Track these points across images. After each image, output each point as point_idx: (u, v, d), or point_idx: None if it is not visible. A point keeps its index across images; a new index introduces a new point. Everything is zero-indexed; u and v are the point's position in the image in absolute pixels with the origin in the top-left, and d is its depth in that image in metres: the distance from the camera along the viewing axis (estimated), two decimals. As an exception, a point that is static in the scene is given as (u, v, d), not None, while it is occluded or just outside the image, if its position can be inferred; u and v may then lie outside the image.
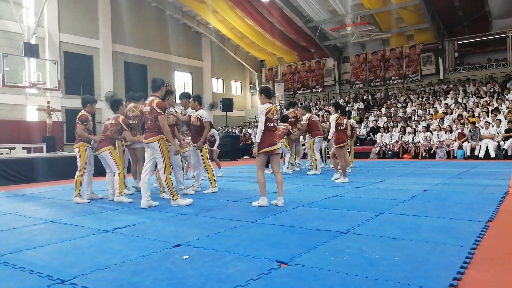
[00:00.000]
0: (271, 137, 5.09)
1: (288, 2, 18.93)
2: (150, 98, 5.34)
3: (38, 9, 15.70)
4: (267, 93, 5.22)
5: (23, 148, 13.35)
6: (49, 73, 15.20)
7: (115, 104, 6.16)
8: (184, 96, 6.89)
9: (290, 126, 9.45)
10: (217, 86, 25.44)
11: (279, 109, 21.94)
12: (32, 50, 13.81)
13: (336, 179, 7.57)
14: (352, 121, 10.12)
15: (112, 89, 18.36)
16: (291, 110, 10.00)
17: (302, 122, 9.63)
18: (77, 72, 17.56)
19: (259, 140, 5.05)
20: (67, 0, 17.39)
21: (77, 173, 5.81)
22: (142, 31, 20.13)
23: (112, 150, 5.90)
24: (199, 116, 6.47)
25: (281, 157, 10.78)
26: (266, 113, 5.02)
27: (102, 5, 18.62)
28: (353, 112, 19.18)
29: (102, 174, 6.54)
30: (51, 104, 15.34)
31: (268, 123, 5.05)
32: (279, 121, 9.58)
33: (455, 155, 13.22)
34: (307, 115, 9.54)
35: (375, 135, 15.72)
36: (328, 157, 10.89)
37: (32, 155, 11.28)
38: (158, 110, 5.16)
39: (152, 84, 5.47)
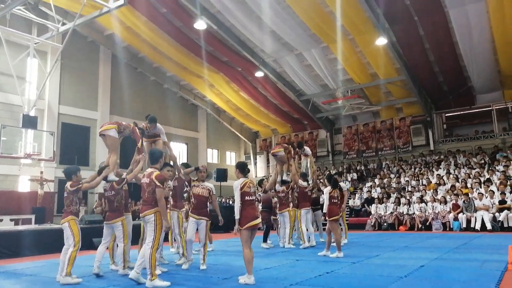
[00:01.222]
0: (252, 210, 5.08)
1: (281, 77, 19.83)
2: (149, 170, 5.40)
3: (40, 83, 16.27)
4: (242, 170, 5.29)
5: (11, 220, 13.04)
6: (45, 144, 15.34)
7: (68, 172, 5.84)
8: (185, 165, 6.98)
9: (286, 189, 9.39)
10: (212, 156, 25.67)
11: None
12: (30, 122, 14.05)
13: (324, 255, 7.37)
14: (343, 184, 9.98)
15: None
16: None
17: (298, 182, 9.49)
18: (73, 143, 17.74)
19: (238, 217, 5.03)
20: (69, 74, 18.10)
21: (71, 248, 5.42)
22: (140, 103, 20.73)
23: (124, 221, 5.88)
24: (210, 188, 6.41)
25: (274, 229, 10.62)
26: (241, 188, 5.06)
27: (102, 78, 19.37)
28: (347, 182, 19.23)
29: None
30: (44, 175, 15.30)
31: (246, 197, 5.08)
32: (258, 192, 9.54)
33: (451, 226, 13.05)
34: (303, 183, 9.46)
35: (370, 206, 15.62)
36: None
37: (19, 227, 10.99)
38: (157, 183, 5.17)
39: (150, 157, 5.59)
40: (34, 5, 16.10)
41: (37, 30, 16.50)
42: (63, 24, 15.04)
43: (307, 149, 11.09)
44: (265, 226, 9.85)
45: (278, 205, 9.63)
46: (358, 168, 20.91)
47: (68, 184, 5.70)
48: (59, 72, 17.48)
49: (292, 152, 9.90)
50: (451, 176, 15.63)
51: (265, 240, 9.60)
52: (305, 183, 9.43)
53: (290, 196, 9.49)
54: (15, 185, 15.79)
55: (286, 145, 10.11)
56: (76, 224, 5.60)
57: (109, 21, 16.62)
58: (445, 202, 13.63)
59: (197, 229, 6.40)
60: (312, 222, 9.82)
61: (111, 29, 17.72)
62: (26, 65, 16.34)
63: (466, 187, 14.20)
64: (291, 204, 9.47)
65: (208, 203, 6.48)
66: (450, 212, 13.29)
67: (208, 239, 9.17)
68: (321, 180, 13.93)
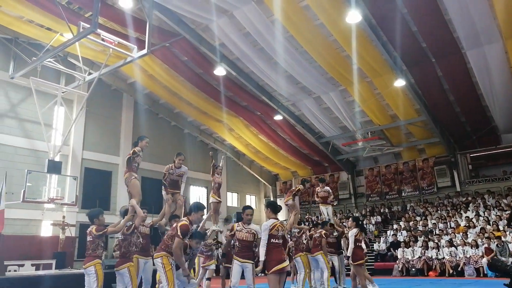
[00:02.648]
0: (279, 254, 4.90)
1: (300, 120, 19.94)
2: (182, 219, 5.55)
3: (66, 129, 16.81)
4: (273, 208, 5.19)
5: (32, 265, 13.01)
6: (68, 188, 15.59)
7: (91, 215, 5.97)
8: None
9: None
10: (232, 199, 25.50)
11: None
12: (55, 167, 14.38)
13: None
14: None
15: (128, 203, 18.53)
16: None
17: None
18: (95, 187, 17.96)
19: (263, 259, 4.86)
20: (93, 121, 18.68)
21: None
22: (160, 147, 21.02)
23: (130, 267, 5.79)
24: (255, 232, 5.87)
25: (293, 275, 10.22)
26: (270, 229, 4.92)
27: (125, 124, 19.88)
28: (371, 226, 18.67)
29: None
30: (66, 219, 15.40)
31: (272, 239, 4.92)
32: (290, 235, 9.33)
33: (485, 272, 12.30)
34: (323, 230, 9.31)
35: (396, 250, 14.99)
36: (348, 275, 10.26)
37: (40, 272, 10.93)
38: (178, 232, 5.15)
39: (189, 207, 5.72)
40: (63, 57, 17.01)
41: (65, 80, 17.29)
42: (89, 73, 15.76)
43: (327, 188, 11.01)
44: None
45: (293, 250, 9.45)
46: (382, 210, 20.32)
47: (93, 228, 5.70)
48: (84, 119, 18.06)
49: (302, 187, 9.96)
50: (481, 218, 14.98)
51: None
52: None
53: (302, 240, 9.40)
54: (37, 230, 15.89)
55: (293, 189, 10.21)
56: (101, 269, 5.59)
57: (132, 69, 17.36)
58: (477, 246, 12.97)
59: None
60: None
61: (133, 77, 18.45)
62: (53, 113, 16.98)
63: (498, 229, 13.53)
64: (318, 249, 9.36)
65: (253, 246, 6.17)
66: (483, 256, 12.59)
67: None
68: (344, 224, 13.55)
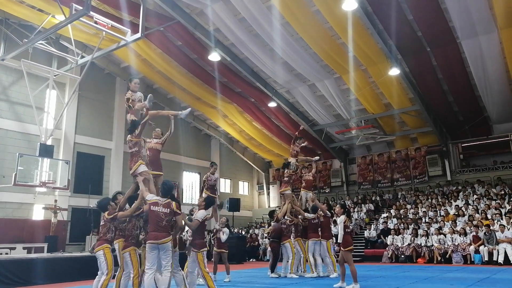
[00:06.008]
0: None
1: (294, 107, 19.92)
2: (162, 200, 5.48)
3: (58, 113, 16.66)
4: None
5: (24, 248, 13.03)
6: (60, 172, 15.53)
7: (102, 205, 6.09)
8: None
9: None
10: (225, 186, 25.57)
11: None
12: (47, 151, 14.30)
13: (340, 286, 7.15)
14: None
15: (121, 188, 18.49)
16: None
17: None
18: (87, 172, 17.89)
19: None
20: (86, 105, 18.50)
21: (104, 276, 5.56)
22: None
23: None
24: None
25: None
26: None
27: (118, 109, 19.71)
28: (362, 213, 18.88)
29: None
30: (58, 203, 15.38)
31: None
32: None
33: (472, 259, 12.55)
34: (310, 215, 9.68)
35: (386, 237, 15.20)
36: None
37: (32, 255, 10.95)
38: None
39: (162, 189, 5.76)
40: (55, 39, 16.75)
41: (57, 63, 17.06)
42: (82, 57, 15.56)
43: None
44: (272, 256, 9.89)
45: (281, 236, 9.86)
46: (373, 198, 20.52)
47: (106, 212, 5.84)
48: (76, 103, 17.89)
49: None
50: (470, 207, 15.20)
51: (272, 270, 9.56)
52: (311, 215, 9.57)
53: (292, 227, 9.76)
54: (29, 214, 15.86)
55: (286, 180, 10.42)
56: (110, 253, 5.70)
57: (125, 53, 17.13)
58: (465, 234, 13.19)
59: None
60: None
61: (127, 62, 18.23)
62: (45, 96, 16.80)
63: (486, 218, 13.75)
64: (292, 236, 9.67)
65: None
66: (470, 244, 12.83)
67: (226, 269, 9.10)
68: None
